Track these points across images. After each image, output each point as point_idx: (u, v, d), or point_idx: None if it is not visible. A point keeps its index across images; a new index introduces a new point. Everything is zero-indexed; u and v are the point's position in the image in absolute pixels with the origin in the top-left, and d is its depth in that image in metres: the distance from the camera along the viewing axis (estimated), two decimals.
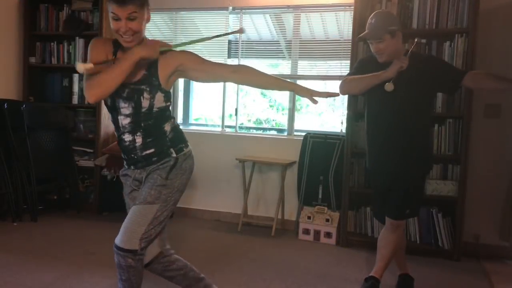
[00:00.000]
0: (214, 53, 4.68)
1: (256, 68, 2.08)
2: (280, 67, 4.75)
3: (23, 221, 4.14)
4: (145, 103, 1.99)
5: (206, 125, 5.06)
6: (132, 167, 2.12)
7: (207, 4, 4.58)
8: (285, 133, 4.60)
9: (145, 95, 1.99)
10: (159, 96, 2.01)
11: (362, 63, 2.92)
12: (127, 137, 2.06)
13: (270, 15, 4.52)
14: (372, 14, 2.78)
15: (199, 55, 2.06)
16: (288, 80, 4.45)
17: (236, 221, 4.39)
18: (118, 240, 2.00)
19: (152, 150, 2.05)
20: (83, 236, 3.91)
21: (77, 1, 4.70)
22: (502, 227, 3.80)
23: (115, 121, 2.07)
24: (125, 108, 2.01)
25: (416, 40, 2.83)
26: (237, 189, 4.54)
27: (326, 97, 2.06)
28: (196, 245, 3.87)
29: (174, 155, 2.07)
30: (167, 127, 2.09)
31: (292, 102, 4.54)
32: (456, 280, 3.29)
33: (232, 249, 3.76)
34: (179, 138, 2.13)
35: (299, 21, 4.38)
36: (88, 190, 4.77)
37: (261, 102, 5.11)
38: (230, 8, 4.53)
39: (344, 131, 4.08)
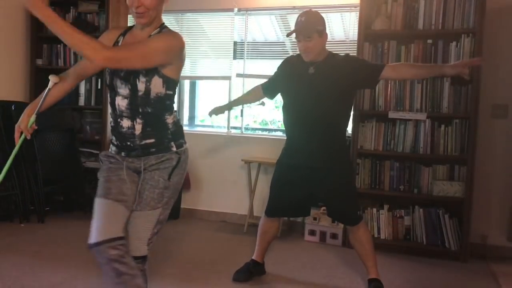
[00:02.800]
0: (220, 54, 4.69)
1: None
2: None
3: (30, 222, 4.16)
4: (141, 86, 1.89)
5: (212, 126, 5.06)
6: (122, 154, 2.00)
7: (213, 6, 4.58)
8: None
9: (141, 77, 1.88)
10: (157, 81, 1.89)
11: (286, 63, 3.04)
12: (125, 123, 1.95)
13: (275, 16, 4.52)
14: (302, 13, 2.88)
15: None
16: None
17: (242, 222, 4.39)
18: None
19: (152, 140, 1.95)
20: None
21: (84, 3, 4.73)
22: (510, 228, 3.77)
23: (112, 102, 1.97)
24: (122, 89, 1.92)
25: None
26: (243, 190, 4.54)
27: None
28: (202, 246, 3.87)
29: (174, 149, 1.98)
30: (170, 120, 1.99)
31: None
32: (463, 282, 3.28)
33: (238, 250, 3.76)
34: (180, 132, 2.05)
35: None
36: (95, 191, 4.77)
37: (267, 103, 5.10)
38: (236, 9, 4.54)
39: (349, 131, 4.07)
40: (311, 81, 2.80)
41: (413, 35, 3.78)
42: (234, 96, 4.69)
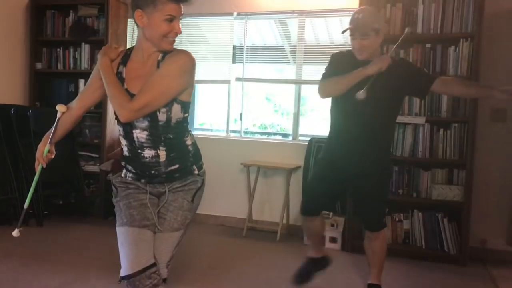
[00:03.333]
0: (220, 58, 4.70)
1: None
2: (284, 72, 4.76)
3: (29, 226, 4.15)
4: (162, 117, 1.84)
5: (211, 130, 5.07)
6: (142, 180, 1.94)
7: (212, 10, 4.59)
8: (290, 138, 4.60)
9: (161, 109, 1.82)
10: (176, 108, 1.85)
11: (337, 58, 2.84)
12: (148, 153, 1.88)
13: (274, 21, 4.54)
14: (358, 9, 2.74)
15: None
16: (293, 85, 4.51)
17: (241, 226, 4.39)
18: None
19: (176, 166, 1.91)
20: (89, 241, 3.91)
21: (83, 7, 4.74)
22: (509, 232, 3.77)
23: (128, 136, 1.89)
24: (140, 122, 1.85)
25: (406, 30, 2.82)
26: (242, 194, 4.54)
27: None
28: (201, 250, 3.86)
29: (196, 172, 1.96)
30: (189, 141, 1.96)
31: (297, 106, 4.54)
32: (463, 286, 3.28)
33: (237, 254, 3.76)
34: (199, 154, 2.02)
35: (304, 26, 4.39)
36: (94, 195, 4.79)
37: (266, 107, 5.12)
38: (235, 13, 4.55)
39: None
40: (362, 81, 2.62)
41: (412, 39, 3.78)
42: (233, 99, 4.70)
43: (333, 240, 3.99)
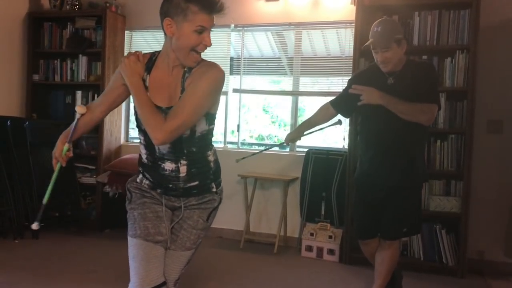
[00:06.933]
0: None
1: None
2: (281, 83, 4.77)
3: (24, 238, 4.12)
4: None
5: None
6: (158, 191, 1.88)
7: None
8: (287, 149, 4.59)
9: None
10: (201, 120, 1.80)
11: (356, 81, 2.81)
12: (169, 166, 1.82)
13: (271, 33, 4.56)
14: (377, 22, 2.68)
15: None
16: (290, 96, 4.52)
17: (238, 238, 4.36)
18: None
19: (196, 183, 1.85)
20: (84, 254, 3.88)
21: (81, 19, 4.75)
22: (507, 243, 3.76)
23: (150, 146, 1.81)
24: None
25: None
26: (239, 205, 4.52)
27: None
28: (198, 263, 3.83)
29: (214, 190, 1.91)
30: (211, 157, 1.91)
31: (294, 118, 4.55)
32: None
33: (234, 267, 3.73)
34: (219, 170, 1.96)
35: (301, 38, 4.41)
36: (90, 207, 4.75)
37: (263, 118, 5.12)
38: (232, 25, 4.57)
39: (346, 147, 4.08)
40: (392, 92, 2.60)
41: (408, 51, 3.76)
42: (231, 111, 4.70)
43: (331, 252, 3.96)
